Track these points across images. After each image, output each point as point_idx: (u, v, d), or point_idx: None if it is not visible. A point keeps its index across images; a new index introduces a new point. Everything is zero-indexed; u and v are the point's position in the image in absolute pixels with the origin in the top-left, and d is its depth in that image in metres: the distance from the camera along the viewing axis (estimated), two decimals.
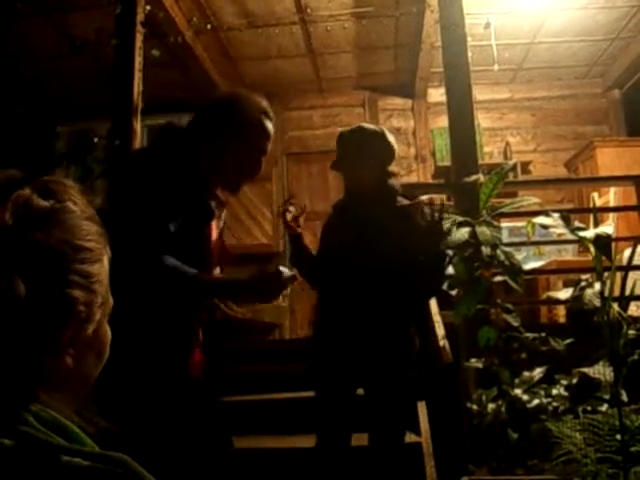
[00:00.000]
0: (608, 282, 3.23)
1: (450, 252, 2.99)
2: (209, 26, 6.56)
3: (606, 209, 6.22)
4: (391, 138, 3.04)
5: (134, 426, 1.62)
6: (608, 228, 3.60)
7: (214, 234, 2.14)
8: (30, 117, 7.54)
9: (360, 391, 2.92)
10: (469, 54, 4.77)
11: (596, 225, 3.43)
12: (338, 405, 2.91)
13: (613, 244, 3.41)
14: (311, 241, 3.09)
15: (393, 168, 3.06)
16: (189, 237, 2.00)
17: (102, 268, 0.83)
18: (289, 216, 2.97)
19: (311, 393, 3.02)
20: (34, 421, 0.73)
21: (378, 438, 2.85)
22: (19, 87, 7.26)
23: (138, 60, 5.06)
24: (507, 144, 8.12)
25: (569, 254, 6.12)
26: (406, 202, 2.95)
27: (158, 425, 1.85)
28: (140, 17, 5.14)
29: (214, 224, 2.13)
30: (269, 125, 2.24)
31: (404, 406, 2.92)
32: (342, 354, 2.86)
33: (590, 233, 3.25)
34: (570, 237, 3.81)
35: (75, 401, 0.79)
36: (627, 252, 3.94)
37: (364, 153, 2.95)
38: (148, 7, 5.23)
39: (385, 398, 2.83)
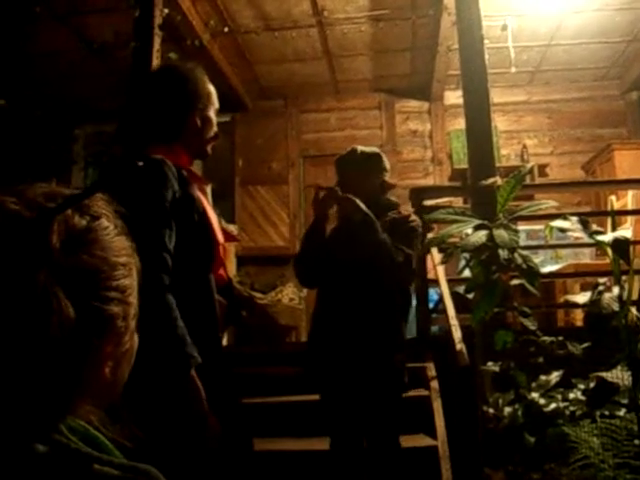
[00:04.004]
0: (626, 286, 3.22)
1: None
2: (226, 29, 6.59)
3: (624, 212, 6.17)
4: (385, 157, 3.32)
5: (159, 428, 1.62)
6: (626, 231, 3.59)
7: (211, 213, 2.12)
8: (47, 119, 7.61)
9: None
10: (486, 56, 4.75)
11: (614, 228, 3.41)
12: (342, 407, 2.97)
13: (631, 247, 3.39)
14: None
15: (390, 180, 3.32)
16: (192, 233, 1.99)
17: (134, 280, 0.84)
18: (321, 194, 3.09)
19: None
20: (66, 430, 0.74)
21: (374, 440, 2.95)
22: (37, 90, 7.32)
23: (155, 63, 5.09)
24: (524, 147, 8.09)
25: (586, 257, 6.09)
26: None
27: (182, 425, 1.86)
28: (158, 20, 5.17)
29: (205, 203, 2.10)
30: (207, 79, 2.28)
31: (397, 407, 2.98)
32: (334, 357, 2.98)
33: (608, 236, 3.23)
34: (588, 240, 3.79)
35: (104, 408, 0.80)
36: None
37: (364, 171, 3.20)
38: (166, 10, 5.25)
39: (376, 397, 2.94)
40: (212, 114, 2.25)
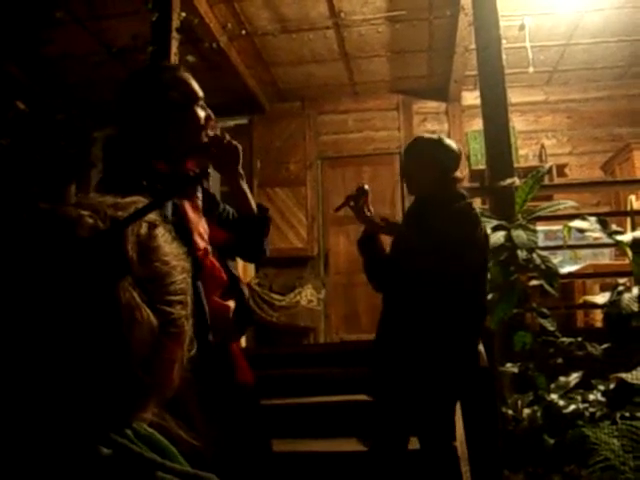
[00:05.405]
0: None
1: None
2: (243, 32, 6.61)
3: None
4: (452, 145, 3.06)
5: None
6: None
7: (192, 217, 2.04)
8: (68, 123, 7.66)
9: None
10: (503, 56, 4.73)
11: (633, 228, 3.40)
12: (398, 409, 2.93)
13: None
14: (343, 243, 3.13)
15: (457, 174, 3.08)
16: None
17: (189, 283, 0.86)
18: (351, 202, 3.02)
19: (346, 397, 3.05)
20: (132, 434, 0.75)
21: (429, 443, 2.87)
22: (58, 93, 7.38)
23: None
24: (542, 147, 8.06)
25: (605, 258, 6.04)
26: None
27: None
28: (175, 23, 5.19)
29: (187, 207, 2.03)
30: (184, 74, 2.17)
31: (452, 410, 2.94)
32: (401, 360, 2.88)
33: (627, 237, 3.23)
34: (607, 240, 3.77)
35: (162, 411, 0.82)
36: None
37: (421, 162, 3.01)
38: (183, 14, 5.28)
39: (439, 405, 2.85)
40: (194, 108, 2.14)
